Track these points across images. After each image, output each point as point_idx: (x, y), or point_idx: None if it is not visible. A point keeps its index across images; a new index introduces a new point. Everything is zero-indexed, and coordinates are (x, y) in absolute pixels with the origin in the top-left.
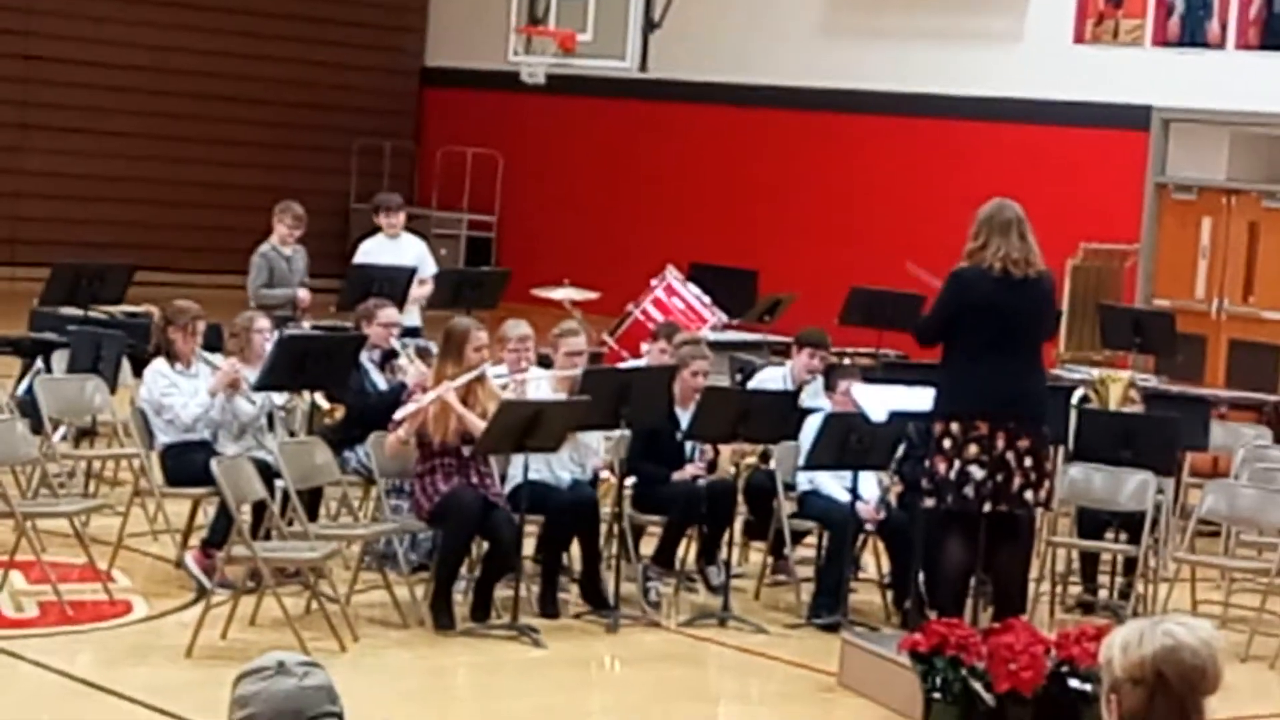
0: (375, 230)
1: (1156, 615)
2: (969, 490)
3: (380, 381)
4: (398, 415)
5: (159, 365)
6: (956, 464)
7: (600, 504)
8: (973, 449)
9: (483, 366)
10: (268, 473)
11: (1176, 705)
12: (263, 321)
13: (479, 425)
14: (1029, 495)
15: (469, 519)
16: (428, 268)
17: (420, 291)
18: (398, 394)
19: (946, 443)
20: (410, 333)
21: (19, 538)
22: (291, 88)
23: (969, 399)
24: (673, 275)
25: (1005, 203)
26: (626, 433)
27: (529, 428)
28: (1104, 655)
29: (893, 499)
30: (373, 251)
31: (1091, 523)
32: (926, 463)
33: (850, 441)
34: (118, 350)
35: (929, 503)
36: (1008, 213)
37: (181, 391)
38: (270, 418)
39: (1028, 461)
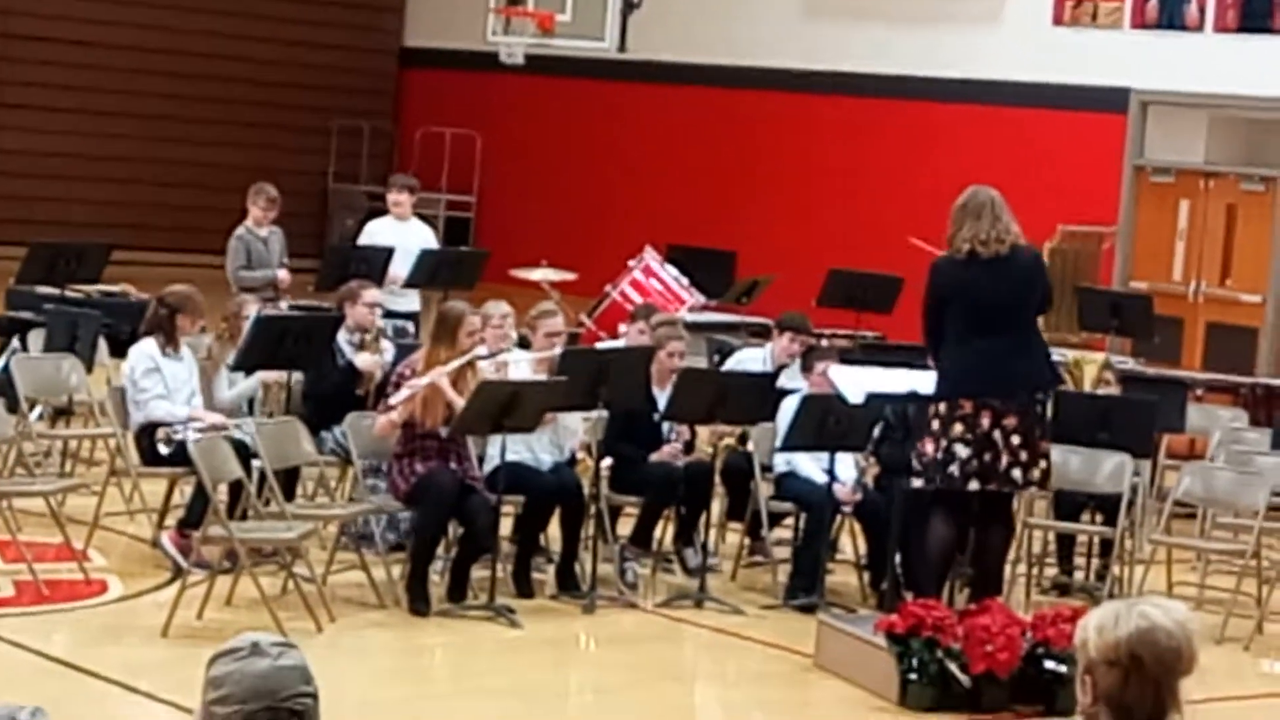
0: (381, 212)
1: (1132, 597)
2: (954, 469)
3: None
4: (393, 400)
5: (147, 346)
6: (943, 443)
7: None
8: (957, 428)
9: (476, 350)
10: (244, 453)
11: (1152, 687)
12: (252, 308)
13: None
14: (1017, 474)
15: (445, 500)
16: (422, 247)
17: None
18: (350, 376)
19: (934, 424)
20: (390, 315)
21: None
22: (270, 68)
23: (954, 381)
24: (651, 256)
25: (979, 189)
26: (604, 414)
27: (506, 408)
28: (1079, 637)
29: (869, 481)
30: (379, 233)
31: (1068, 504)
32: (916, 444)
33: (828, 423)
34: (94, 329)
35: (917, 483)
36: (980, 196)
37: (163, 376)
38: (251, 403)
39: (1015, 440)
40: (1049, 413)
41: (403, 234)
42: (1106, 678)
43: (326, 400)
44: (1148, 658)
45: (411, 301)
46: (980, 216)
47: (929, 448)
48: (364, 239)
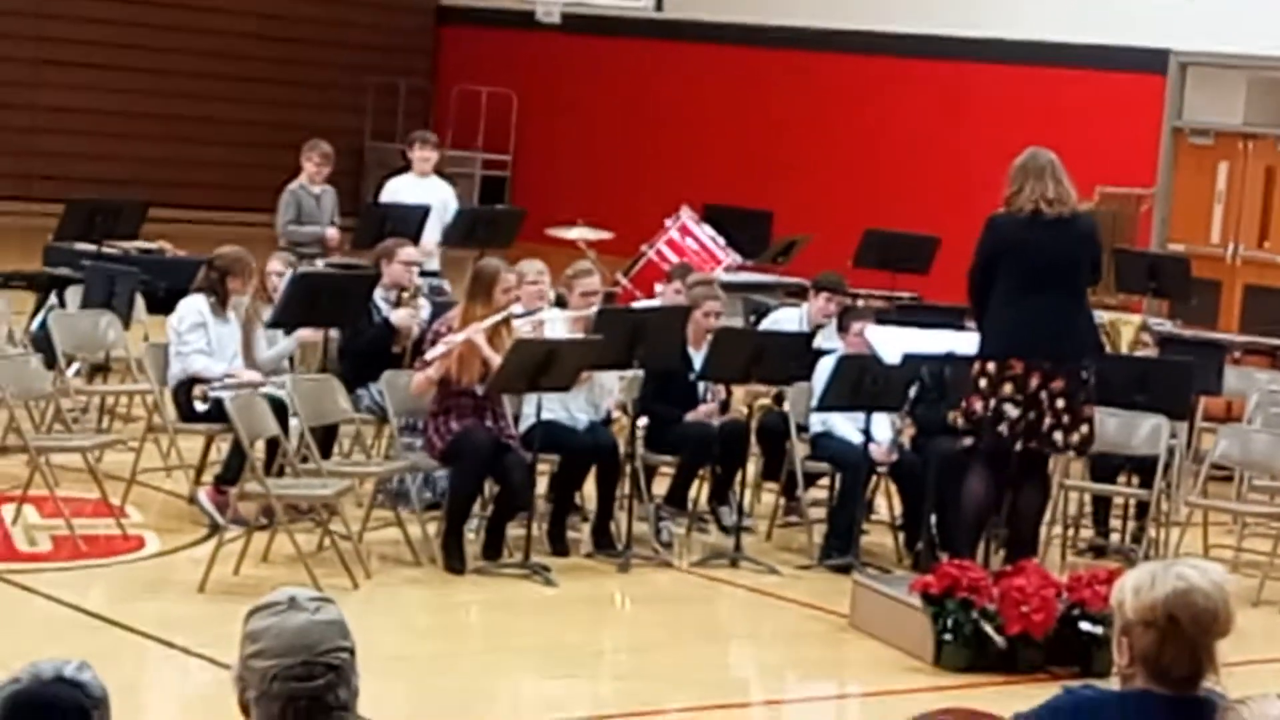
0: (402, 170)
1: (1169, 559)
2: (1004, 428)
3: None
4: (429, 355)
5: (198, 302)
6: (992, 402)
7: None
8: (1008, 388)
9: (510, 308)
10: (281, 410)
11: (1188, 648)
12: (275, 263)
13: None
14: (1058, 436)
15: (481, 459)
16: (450, 211)
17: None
18: (386, 333)
19: (983, 382)
20: (427, 274)
21: (33, 472)
22: (307, 25)
23: (1004, 340)
24: (687, 216)
25: (1039, 150)
26: (639, 373)
27: (543, 367)
28: (1115, 598)
29: (905, 441)
30: (400, 190)
31: (1104, 466)
32: (963, 402)
33: (864, 383)
34: (131, 286)
35: (967, 441)
36: (1041, 159)
37: (209, 333)
38: (292, 360)
39: (1060, 403)
40: (1093, 379)
41: (425, 191)
42: (1143, 639)
43: (363, 358)
44: (1184, 619)
45: (432, 261)
46: (1043, 177)
47: (978, 405)
48: (387, 196)
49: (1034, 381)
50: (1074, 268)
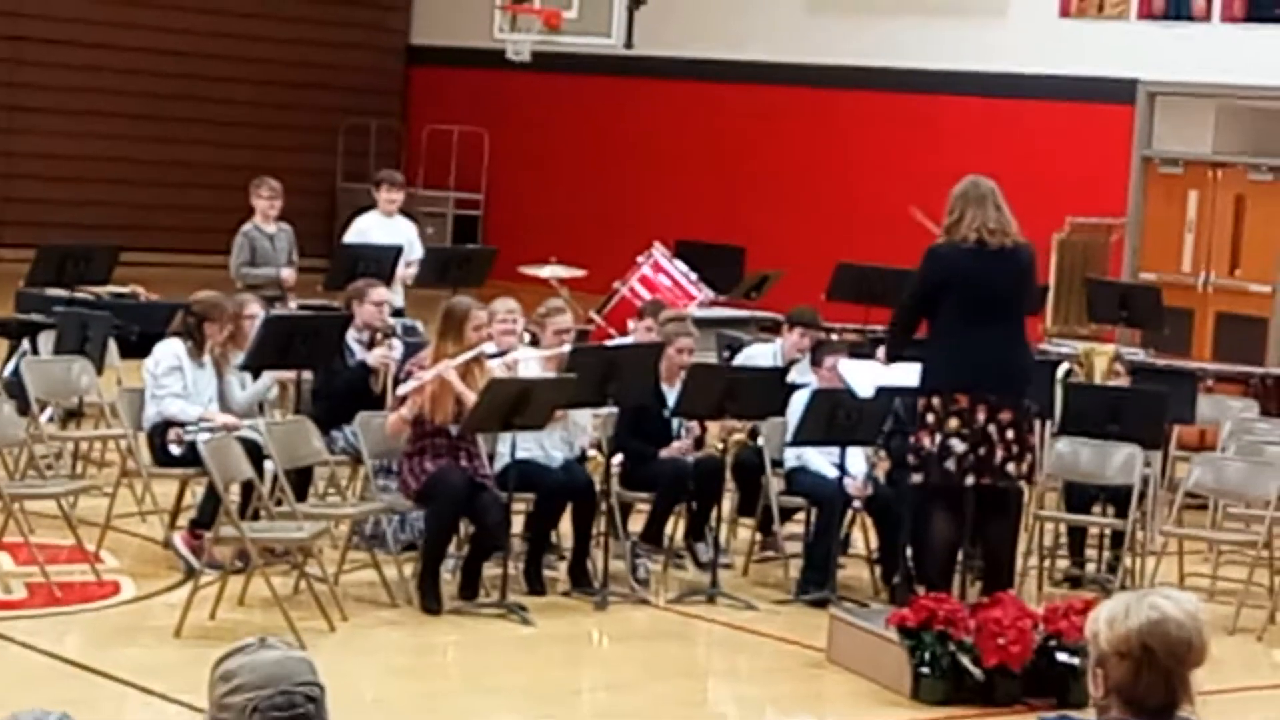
0: (368, 207)
1: (1143, 589)
2: (950, 464)
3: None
4: (400, 392)
5: (175, 345)
6: (938, 437)
7: None
8: (954, 422)
9: (483, 346)
10: (256, 453)
11: (1163, 678)
12: (254, 307)
13: None
14: (1011, 468)
15: (456, 499)
16: (415, 250)
17: (406, 273)
18: (360, 373)
19: (929, 417)
20: (395, 314)
21: (6, 519)
22: (277, 67)
23: (949, 373)
24: (660, 252)
25: (979, 178)
26: (614, 410)
27: (516, 406)
28: (1090, 629)
29: (880, 474)
30: (367, 230)
31: (1079, 496)
32: (911, 438)
33: (838, 417)
34: (104, 331)
35: (915, 478)
36: (982, 186)
37: (185, 377)
38: (261, 404)
39: (1009, 434)
40: (1034, 408)
41: (390, 230)
42: (1118, 669)
43: (337, 399)
44: (1159, 649)
45: (397, 297)
46: (983, 205)
47: (925, 441)
48: (355, 235)
49: (980, 415)
50: (1017, 299)
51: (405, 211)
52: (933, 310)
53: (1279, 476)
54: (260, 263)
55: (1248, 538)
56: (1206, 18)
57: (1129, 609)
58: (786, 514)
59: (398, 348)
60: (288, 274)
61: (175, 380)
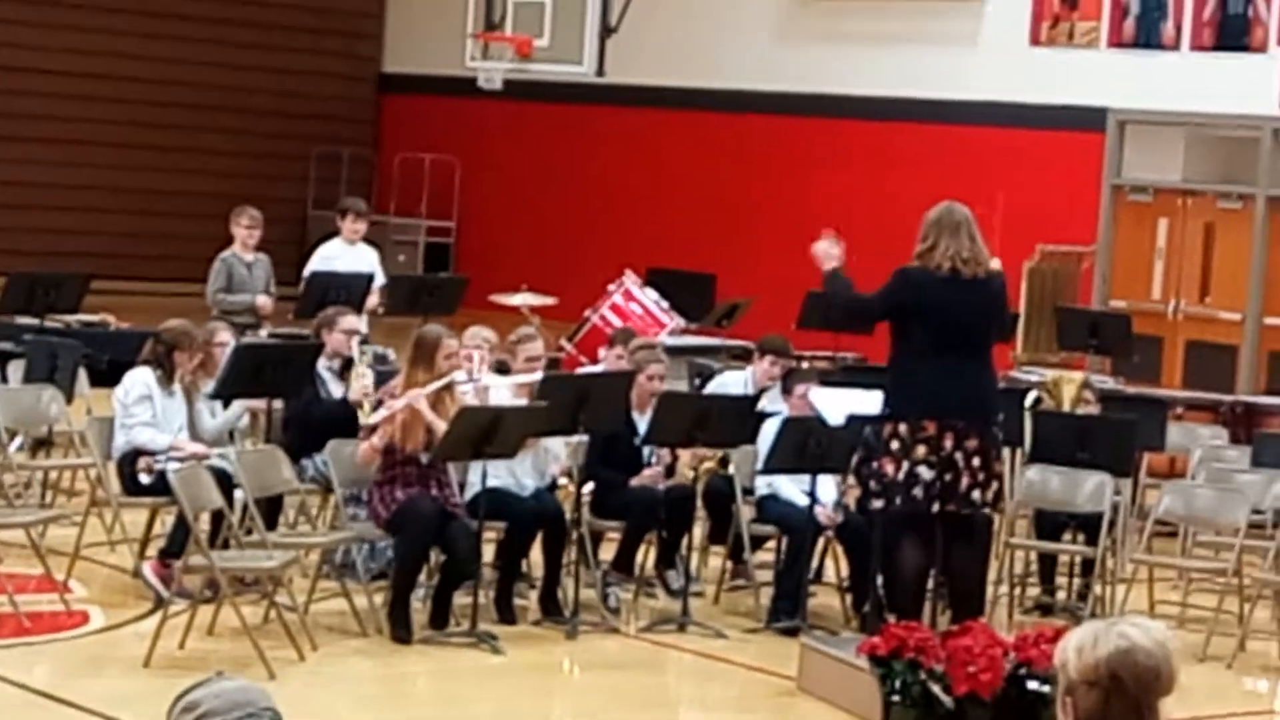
0: (333, 234)
1: (1114, 616)
2: (918, 491)
3: (337, 391)
4: (371, 420)
5: (144, 374)
6: (905, 465)
7: None
8: (921, 449)
9: (454, 374)
10: (226, 482)
11: (1132, 706)
12: (224, 334)
13: None
14: (976, 495)
15: (426, 528)
16: (378, 278)
17: (370, 302)
18: (342, 409)
19: (895, 444)
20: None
21: None
22: (249, 95)
23: (916, 400)
24: (630, 280)
25: (953, 205)
26: (585, 438)
27: (487, 434)
28: (1059, 658)
29: (851, 502)
30: (331, 257)
31: (1049, 524)
32: (875, 464)
33: (808, 445)
34: (74, 360)
35: (878, 504)
36: (957, 214)
37: (154, 405)
38: (231, 432)
39: (975, 461)
40: (1000, 435)
41: (355, 257)
42: (1087, 698)
43: (309, 428)
44: (1127, 678)
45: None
46: (958, 234)
47: (890, 468)
48: (320, 263)
49: (948, 442)
50: (986, 329)
51: (368, 239)
52: (898, 335)
53: (1248, 504)
54: (237, 290)
55: (1217, 565)
56: (1176, 47)
57: (1097, 638)
58: (757, 542)
59: (368, 375)
60: (263, 301)
61: (145, 409)
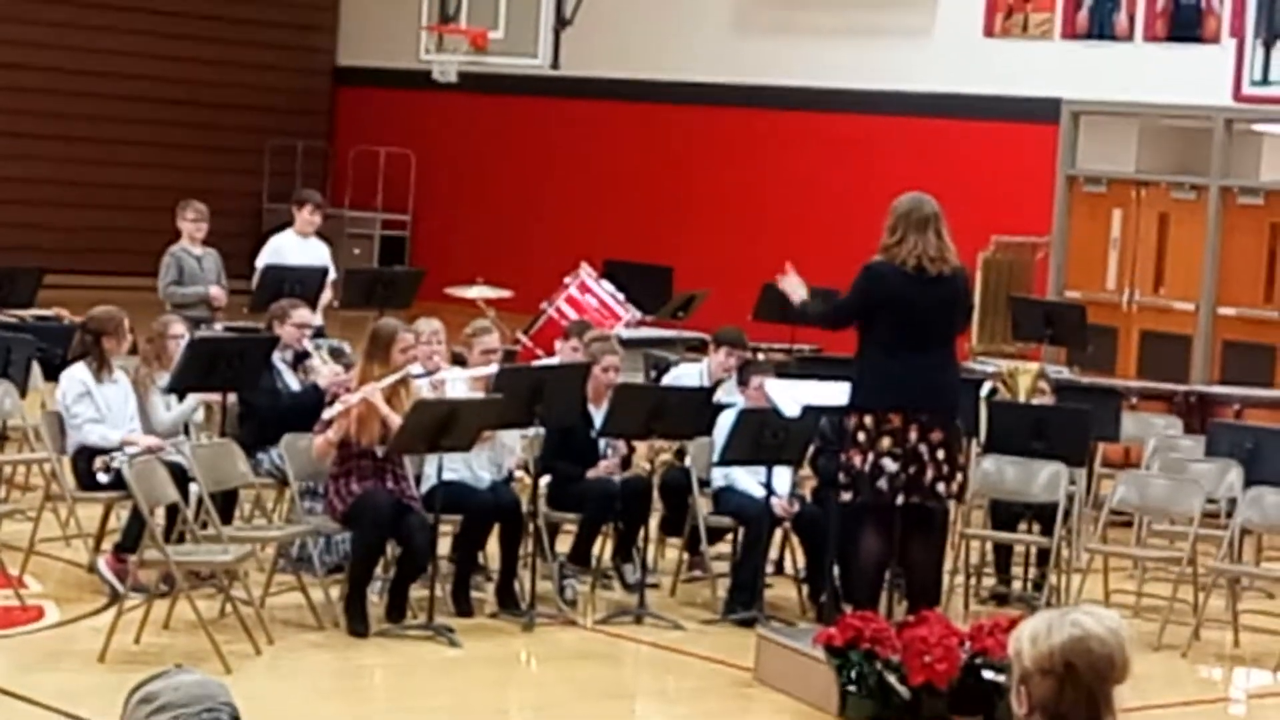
0: (284, 225)
1: (1068, 606)
2: (883, 483)
3: (293, 383)
4: (326, 415)
5: (78, 371)
6: (870, 456)
7: None
8: (886, 441)
9: (408, 368)
10: (181, 476)
11: (1086, 695)
12: (178, 327)
13: None
14: (941, 487)
15: (382, 521)
16: (331, 273)
17: (325, 297)
18: (314, 396)
19: (860, 436)
20: (315, 334)
21: None
22: (203, 88)
23: (882, 393)
24: (586, 273)
25: (922, 198)
26: (541, 431)
27: (443, 427)
28: (1013, 648)
29: (807, 493)
30: (283, 249)
31: (1005, 514)
32: (842, 456)
33: (764, 437)
34: (28, 354)
35: (845, 496)
36: (925, 209)
37: (95, 400)
38: (187, 426)
39: (940, 454)
40: (964, 428)
41: (306, 250)
42: (1041, 687)
43: (264, 421)
44: (1081, 666)
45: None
46: (925, 231)
47: (856, 460)
48: (271, 256)
49: (913, 434)
50: (950, 323)
51: (320, 233)
52: (865, 328)
53: (1202, 493)
54: (188, 283)
55: (1172, 554)
56: (1129, 37)
57: (1051, 626)
58: (714, 534)
59: (322, 370)
60: (216, 292)
61: (87, 407)
